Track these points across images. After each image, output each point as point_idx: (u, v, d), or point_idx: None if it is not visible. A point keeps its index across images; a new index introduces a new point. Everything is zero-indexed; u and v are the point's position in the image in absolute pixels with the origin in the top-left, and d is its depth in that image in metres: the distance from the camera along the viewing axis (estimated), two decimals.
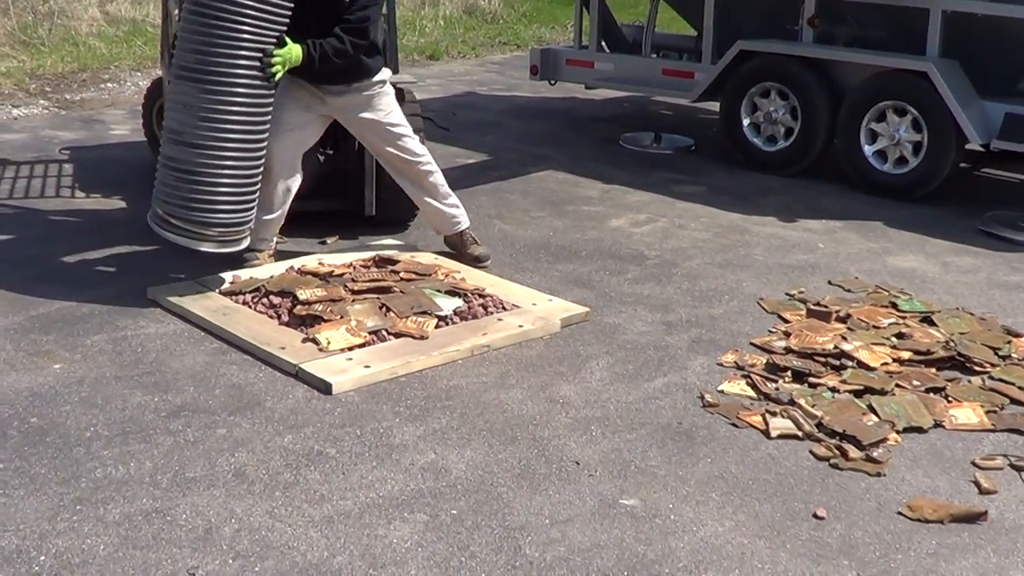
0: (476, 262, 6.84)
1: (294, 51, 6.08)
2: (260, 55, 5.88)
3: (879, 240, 7.89)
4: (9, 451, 4.52)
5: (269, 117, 6.06)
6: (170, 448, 4.58)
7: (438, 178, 6.85)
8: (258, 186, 6.15)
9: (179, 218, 5.93)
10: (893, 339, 5.96)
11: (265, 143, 6.09)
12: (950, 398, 5.36)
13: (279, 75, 6.01)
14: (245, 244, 6.22)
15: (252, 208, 6.11)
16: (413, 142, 6.73)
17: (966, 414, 5.21)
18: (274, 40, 5.95)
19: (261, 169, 6.12)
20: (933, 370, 5.65)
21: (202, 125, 5.88)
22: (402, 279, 6.23)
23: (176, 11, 7.36)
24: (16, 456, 4.48)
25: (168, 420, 4.82)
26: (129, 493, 4.24)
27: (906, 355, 5.77)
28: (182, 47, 5.91)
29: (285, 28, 5.98)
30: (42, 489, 4.25)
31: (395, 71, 7.45)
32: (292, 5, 5.95)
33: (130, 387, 5.12)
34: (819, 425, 5.01)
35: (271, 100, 6.04)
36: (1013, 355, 5.84)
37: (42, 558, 3.83)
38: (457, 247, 6.91)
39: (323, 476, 4.42)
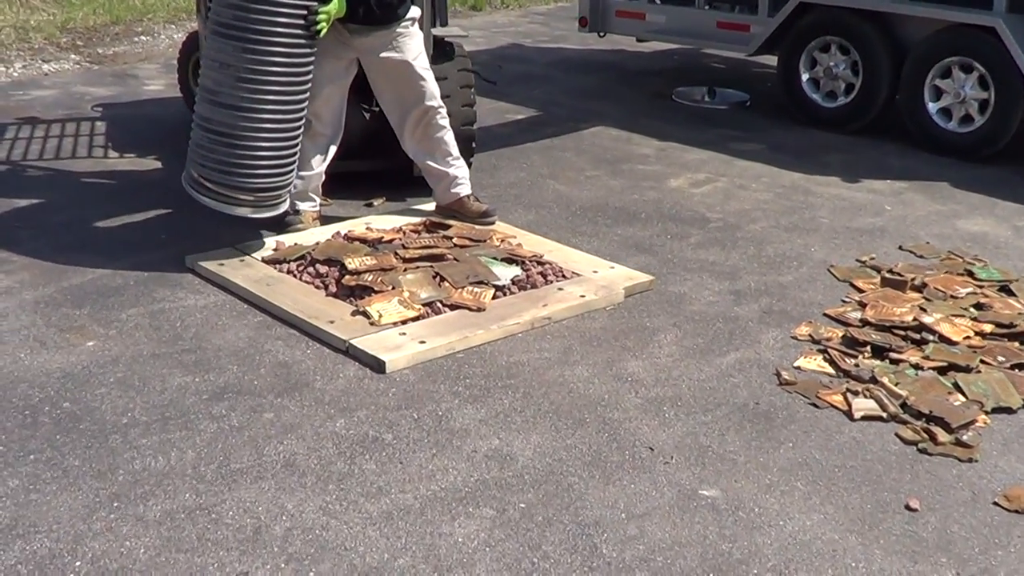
0: (484, 218, 6.47)
1: (339, 5, 5.71)
2: (303, 11, 5.51)
3: (947, 202, 7.54)
4: (40, 440, 4.24)
5: (310, 76, 5.76)
6: (213, 435, 4.29)
7: (449, 136, 6.48)
8: (297, 149, 5.86)
9: (214, 181, 5.64)
10: (972, 310, 5.66)
11: (305, 104, 5.80)
12: None
13: (324, 32, 5.65)
14: (283, 209, 5.94)
15: (291, 172, 5.82)
16: (435, 89, 6.38)
17: None
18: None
19: (301, 131, 5.82)
20: (1017, 344, 5.35)
21: (240, 85, 5.58)
22: (456, 245, 5.92)
23: None
24: (48, 446, 4.20)
25: (210, 403, 4.52)
26: (171, 488, 3.95)
27: (988, 328, 5.46)
28: (219, 2, 5.56)
29: None
30: (76, 484, 3.96)
31: (444, 23, 7.13)
32: None
33: (169, 366, 4.82)
34: (904, 405, 4.71)
35: (312, 59, 5.71)
36: None
37: (77, 563, 3.54)
38: (459, 211, 6.45)
39: (379, 466, 4.11)
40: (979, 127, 8.52)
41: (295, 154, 5.82)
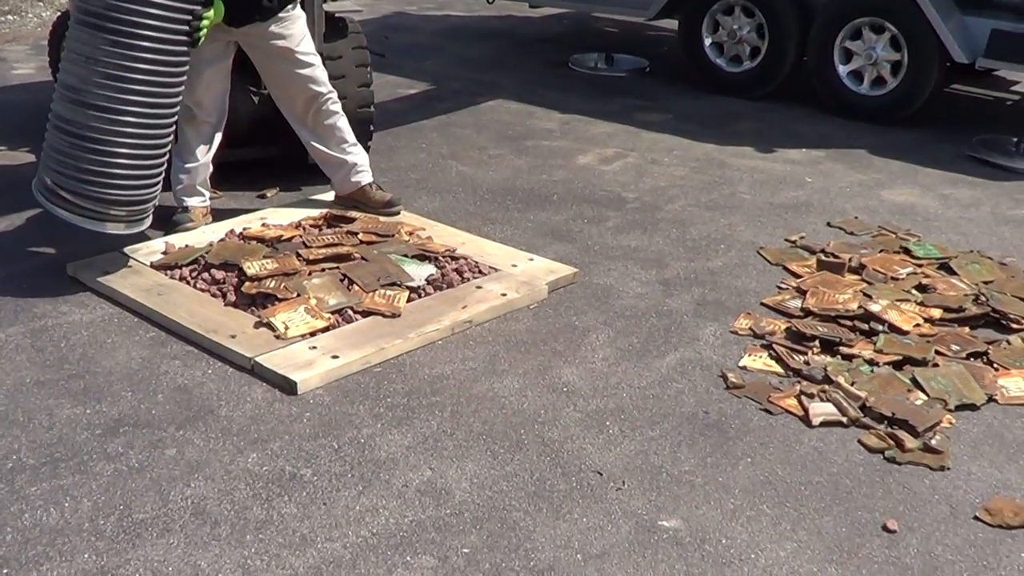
0: (388, 208, 6.01)
1: (219, 10, 5.19)
2: (184, 10, 4.95)
3: (867, 171, 7.27)
4: None
5: (184, 78, 5.15)
6: (111, 479, 3.78)
7: (343, 122, 5.96)
8: (166, 157, 5.23)
9: (73, 192, 4.99)
10: (916, 293, 5.36)
11: (177, 107, 5.17)
12: (996, 365, 4.77)
13: (203, 39, 5.11)
14: (148, 223, 5.30)
15: (159, 181, 5.19)
16: (323, 75, 5.85)
17: (1018, 384, 4.62)
18: None
19: (171, 138, 5.19)
20: (967, 330, 5.07)
21: (105, 83, 4.92)
22: (362, 242, 5.44)
23: None
24: None
25: (105, 440, 4.00)
26: (66, 547, 3.44)
27: (936, 313, 5.17)
28: None
29: None
30: None
31: None
32: None
33: (56, 396, 4.29)
34: (863, 407, 4.37)
35: (187, 58, 5.11)
36: None
37: None
38: (361, 201, 5.98)
39: (301, 509, 3.65)
40: (892, 90, 8.33)
41: (165, 161, 5.22)
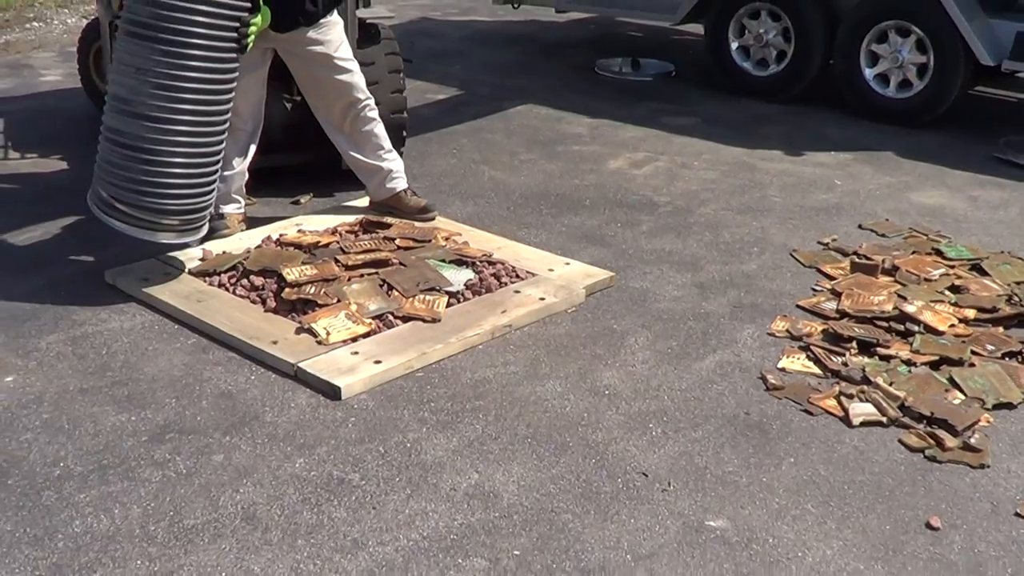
0: (423, 214, 6.04)
1: (266, 16, 5.23)
2: (232, 16, 4.98)
3: (895, 173, 7.27)
4: None
5: (234, 85, 5.17)
6: (159, 485, 3.81)
7: (379, 128, 6.01)
8: (220, 164, 5.27)
9: (128, 203, 5.02)
10: (949, 294, 5.38)
11: (228, 115, 5.20)
12: None
13: (251, 45, 5.14)
14: (205, 231, 5.35)
15: (213, 189, 5.23)
16: (361, 81, 5.89)
17: None
18: (247, 4, 5.05)
19: (224, 144, 5.22)
20: (1002, 330, 5.09)
21: (157, 94, 4.93)
22: (399, 248, 5.47)
23: None
24: None
25: (152, 446, 4.03)
26: (119, 554, 3.47)
27: (970, 313, 5.19)
28: None
29: None
30: (10, 553, 3.46)
31: (367, 4, 6.64)
32: None
33: (100, 403, 4.31)
34: (902, 407, 4.39)
35: (236, 64, 5.15)
36: None
37: None
38: (396, 207, 6.02)
39: (351, 513, 3.68)
40: (918, 92, 8.32)
41: (218, 169, 5.26)
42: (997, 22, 8.07)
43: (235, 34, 5.03)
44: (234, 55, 5.08)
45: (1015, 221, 6.47)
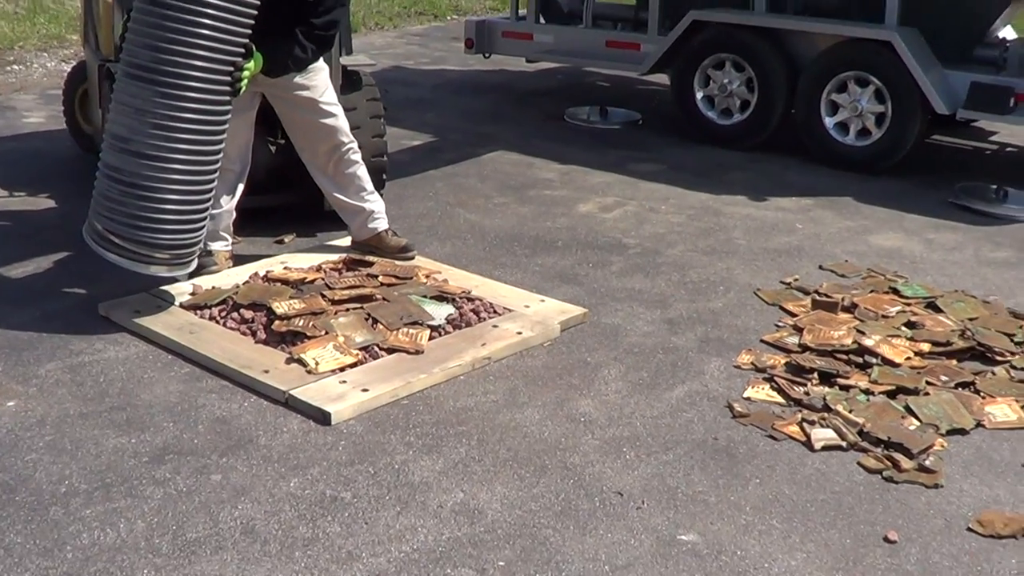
0: (403, 253, 6.29)
1: (258, 61, 5.48)
2: (227, 60, 5.23)
3: (855, 218, 7.55)
4: None
5: (227, 126, 5.41)
6: (161, 502, 4.02)
7: (362, 171, 6.25)
8: (210, 201, 5.50)
9: (123, 237, 5.25)
10: (905, 329, 5.64)
11: (221, 154, 5.44)
12: (982, 394, 5.06)
13: (244, 89, 5.40)
14: (194, 265, 5.59)
15: (204, 226, 5.47)
16: (345, 125, 6.15)
17: (1003, 411, 4.91)
18: (242, 49, 5.30)
19: (215, 183, 5.47)
20: (954, 362, 5.35)
21: (155, 133, 5.16)
22: (383, 284, 5.71)
23: None
24: None
25: (152, 466, 4.25)
26: (126, 564, 3.68)
27: (926, 347, 5.46)
28: (135, 41, 5.23)
29: (251, 31, 5.34)
30: (22, 563, 3.66)
31: (349, 51, 6.90)
32: (258, 3, 5.31)
33: (100, 426, 4.53)
34: (861, 433, 4.65)
35: (230, 107, 5.40)
36: None
37: None
38: (377, 246, 6.24)
39: (344, 528, 3.90)
40: (877, 140, 8.60)
41: (209, 207, 5.49)
42: (952, 72, 8.39)
43: (229, 78, 5.27)
44: (228, 98, 5.31)
45: (968, 262, 6.75)
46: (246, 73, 5.36)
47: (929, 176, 8.53)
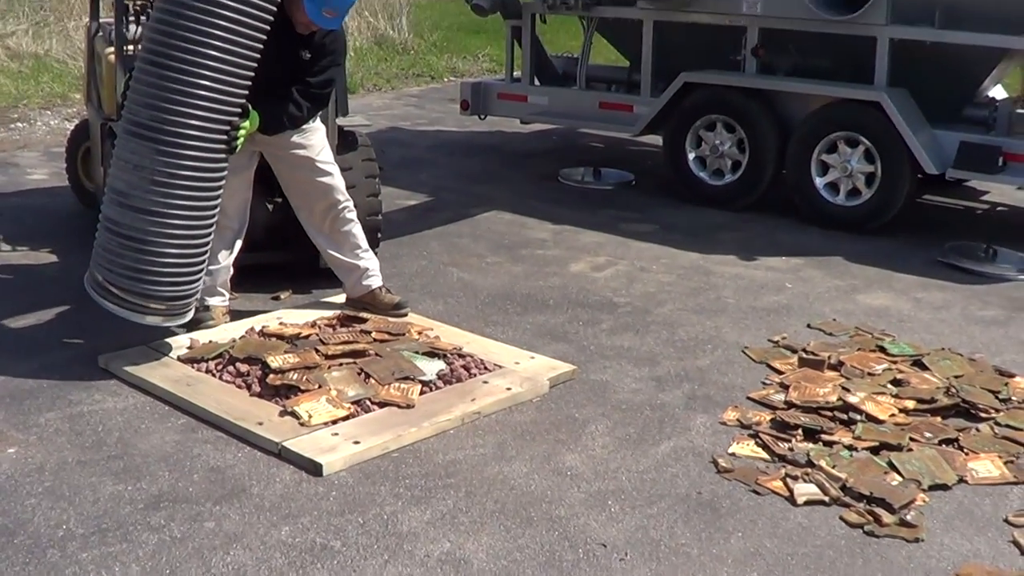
0: (396, 310, 6.40)
1: (255, 121, 5.65)
2: (224, 120, 5.39)
3: (844, 277, 7.65)
4: None
5: (223, 182, 5.58)
6: (156, 547, 4.12)
7: (357, 229, 6.40)
8: (207, 255, 5.67)
9: (121, 288, 5.42)
10: (891, 386, 5.73)
11: (217, 210, 5.61)
12: (966, 450, 5.14)
13: (240, 147, 5.54)
14: (190, 316, 5.75)
15: (200, 279, 5.64)
16: (341, 184, 6.29)
17: (986, 467, 4.99)
18: (238, 109, 5.47)
19: (211, 238, 5.62)
20: (939, 419, 5.44)
21: (153, 189, 5.34)
22: (375, 340, 5.81)
23: (107, 50, 6.90)
24: None
25: (147, 513, 4.35)
26: None
27: (910, 404, 5.54)
28: (135, 100, 5.39)
29: (247, 91, 5.50)
30: None
31: (345, 113, 7.03)
32: (255, 64, 5.47)
33: (98, 474, 4.64)
34: (844, 488, 4.72)
35: (226, 163, 5.55)
36: (1013, 398, 5.65)
37: None
38: (371, 303, 6.36)
39: (332, 574, 4.00)
40: (867, 200, 8.72)
41: (205, 260, 5.65)
42: (941, 132, 8.54)
43: (226, 136, 5.41)
44: (224, 155, 5.45)
45: (956, 320, 6.84)
46: (242, 132, 5.50)
47: (919, 236, 8.64)
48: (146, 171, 5.32)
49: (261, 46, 5.49)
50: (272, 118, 5.77)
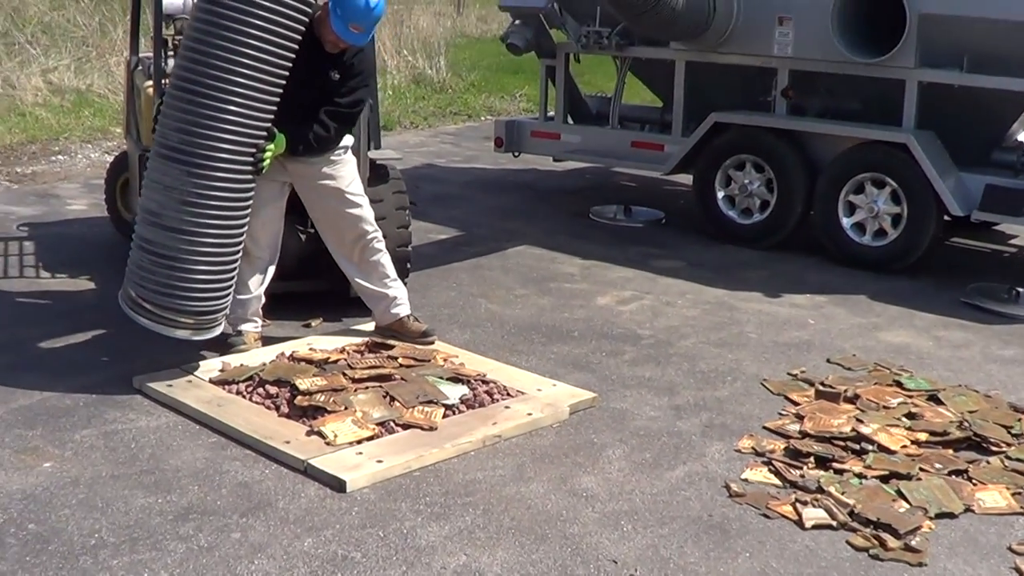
0: (424, 338, 6.56)
1: (281, 144, 5.86)
2: (251, 142, 5.63)
3: (867, 315, 7.76)
4: (11, 562, 4.22)
5: (251, 203, 5.83)
6: (183, 556, 4.30)
7: (385, 259, 6.58)
8: (235, 273, 5.92)
9: (153, 303, 5.69)
10: (905, 419, 5.85)
11: (245, 229, 5.86)
12: (974, 481, 5.26)
13: (267, 169, 5.76)
14: (219, 331, 5.99)
15: (228, 295, 5.89)
16: (370, 215, 6.48)
17: (993, 497, 5.10)
18: (264, 132, 5.72)
19: (239, 255, 5.87)
20: (951, 451, 5.56)
21: (184, 209, 5.62)
22: (401, 365, 6.00)
23: (146, 84, 7.12)
24: (19, 567, 4.19)
25: (176, 524, 4.53)
26: None
27: (923, 436, 5.66)
28: (166, 124, 5.63)
29: (273, 115, 5.74)
30: None
31: (378, 146, 7.23)
32: (281, 88, 5.69)
33: (130, 487, 4.83)
34: (852, 513, 4.86)
35: (253, 184, 5.78)
36: None
37: None
38: (399, 331, 6.52)
39: None
40: (893, 241, 8.82)
41: (233, 277, 5.88)
42: (967, 175, 8.65)
43: (252, 159, 5.62)
44: (251, 177, 5.68)
45: (975, 359, 6.95)
46: (267, 154, 5.72)
47: (943, 276, 8.74)
48: (177, 192, 5.58)
49: (288, 71, 5.72)
50: (299, 138, 5.99)
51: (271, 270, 6.45)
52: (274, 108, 5.71)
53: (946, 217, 8.78)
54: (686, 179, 10.52)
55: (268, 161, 5.77)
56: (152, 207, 5.67)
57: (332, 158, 6.29)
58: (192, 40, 5.59)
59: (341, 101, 6.08)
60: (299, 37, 5.70)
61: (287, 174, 6.20)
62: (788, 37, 9.33)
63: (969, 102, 8.78)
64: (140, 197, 5.83)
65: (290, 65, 5.70)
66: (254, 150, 5.67)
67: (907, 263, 8.77)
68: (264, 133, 5.70)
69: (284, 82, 5.69)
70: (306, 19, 5.72)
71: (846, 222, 9.00)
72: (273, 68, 5.62)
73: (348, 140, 6.40)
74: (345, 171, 6.33)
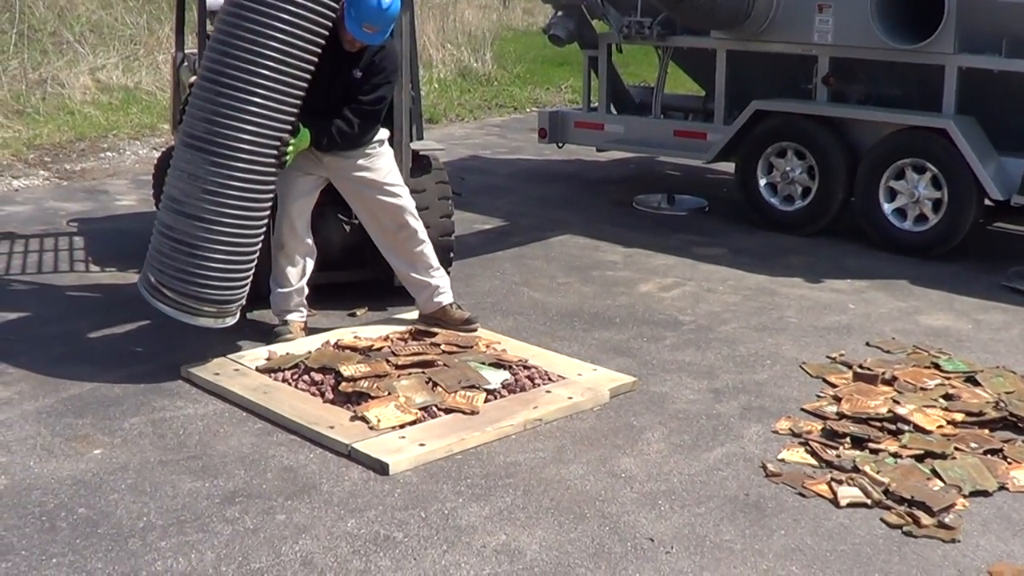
0: (466, 325, 6.66)
1: (305, 138, 5.98)
2: (275, 134, 5.76)
3: (907, 299, 7.81)
4: (61, 544, 4.36)
5: (272, 194, 5.96)
6: (230, 537, 4.43)
7: (428, 248, 6.68)
8: (253, 264, 6.01)
9: (173, 289, 5.80)
10: (942, 400, 5.90)
11: (266, 220, 5.97)
12: (1009, 460, 5.30)
13: (290, 163, 5.89)
14: (235, 320, 6.11)
15: (245, 285, 6.00)
16: (411, 205, 6.59)
17: None
18: (288, 126, 5.83)
19: (258, 247, 5.98)
20: (987, 431, 5.60)
21: (205, 197, 5.72)
22: (444, 352, 6.10)
23: (191, 80, 7.26)
24: (69, 550, 4.32)
25: (223, 507, 4.66)
26: None
27: (959, 417, 5.71)
28: (192, 114, 5.76)
29: (298, 110, 5.86)
30: None
31: (420, 137, 7.34)
32: (306, 83, 5.81)
33: (177, 472, 4.96)
34: (886, 492, 4.93)
35: (275, 177, 5.93)
36: None
37: None
38: (442, 319, 6.61)
39: (394, 562, 4.28)
40: (933, 226, 8.85)
41: (252, 268, 5.99)
42: (1008, 159, 8.67)
43: (275, 152, 5.75)
44: (273, 169, 5.81)
45: (1014, 341, 6.99)
46: (291, 148, 5.85)
47: (984, 261, 8.78)
48: (199, 180, 5.70)
49: (313, 67, 5.85)
50: (322, 133, 6.11)
51: (311, 262, 6.58)
52: (298, 103, 5.83)
53: (987, 202, 8.78)
54: (729, 167, 10.56)
55: (291, 155, 5.86)
56: (175, 194, 5.81)
57: (367, 151, 6.41)
58: (220, 33, 5.73)
59: (364, 99, 6.21)
60: (325, 33, 5.82)
61: (323, 167, 6.32)
62: (828, 24, 9.37)
63: (1009, 87, 8.79)
64: (166, 185, 5.93)
65: (315, 60, 5.82)
66: (277, 143, 5.77)
67: (948, 248, 8.80)
68: (288, 127, 5.80)
69: (309, 77, 5.81)
70: (332, 16, 5.83)
71: (887, 208, 9.03)
72: (298, 63, 5.74)
73: (383, 133, 6.52)
74: (381, 163, 6.44)
